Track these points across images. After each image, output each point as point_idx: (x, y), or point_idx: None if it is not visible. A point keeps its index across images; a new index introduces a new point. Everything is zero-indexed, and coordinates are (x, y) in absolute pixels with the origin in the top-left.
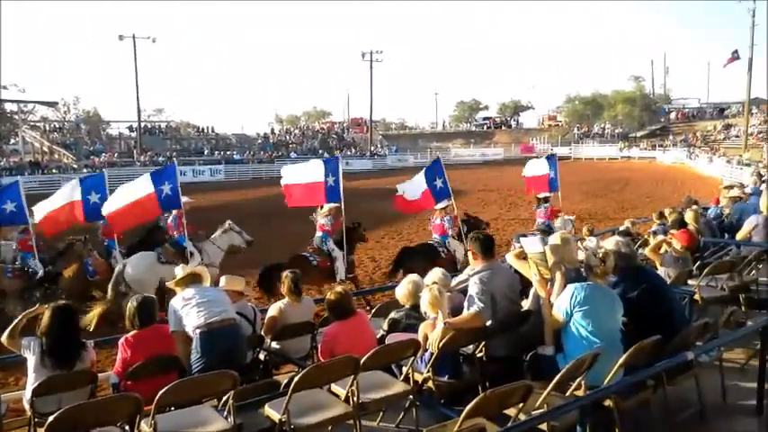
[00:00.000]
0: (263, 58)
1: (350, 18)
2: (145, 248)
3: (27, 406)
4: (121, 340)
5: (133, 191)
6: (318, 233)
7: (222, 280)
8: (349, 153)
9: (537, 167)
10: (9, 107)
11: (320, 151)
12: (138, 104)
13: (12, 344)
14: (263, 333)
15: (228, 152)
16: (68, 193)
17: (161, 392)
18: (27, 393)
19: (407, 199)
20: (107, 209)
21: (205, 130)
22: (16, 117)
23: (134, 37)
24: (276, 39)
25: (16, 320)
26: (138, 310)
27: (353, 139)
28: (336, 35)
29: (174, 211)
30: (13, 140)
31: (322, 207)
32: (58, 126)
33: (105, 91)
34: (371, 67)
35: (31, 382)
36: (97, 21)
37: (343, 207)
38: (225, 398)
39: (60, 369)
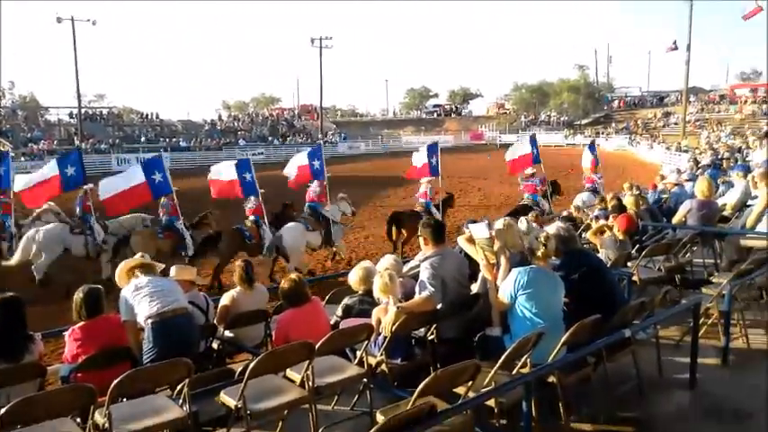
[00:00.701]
0: (209, 42)
1: (298, 3)
2: (285, 220)
3: None
4: (68, 332)
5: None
6: (421, 200)
7: (173, 270)
8: (299, 140)
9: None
10: None
11: (269, 138)
12: (79, 90)
13: None
14: (215, 322)
15: (174, 139)
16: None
17: (115, 382)
18: None
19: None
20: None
21: (149, 117)
22: None
23: (73, 19)
24: (223, 23)
25: None
26: (85, 300)
27: (304, 126)
28: (285, 20)
29: (316, 182)
30: None
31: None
32: None
33: (43, 76)
34: (321, 54)
35: None
36: (33, 1)
37: (440, 180)
38: (179, 386)
39: (6, 362)
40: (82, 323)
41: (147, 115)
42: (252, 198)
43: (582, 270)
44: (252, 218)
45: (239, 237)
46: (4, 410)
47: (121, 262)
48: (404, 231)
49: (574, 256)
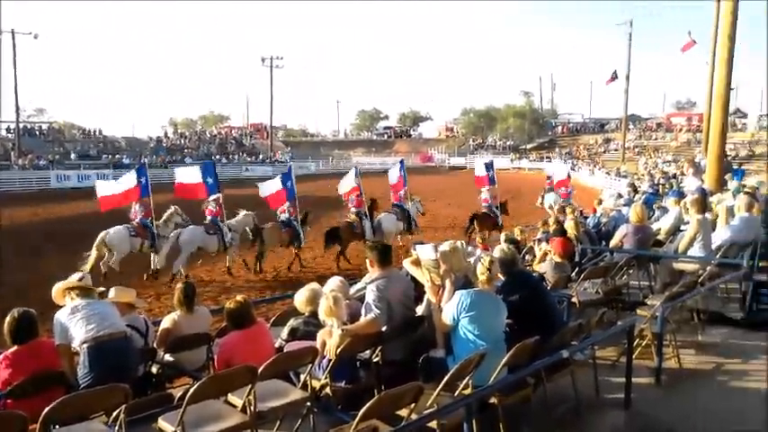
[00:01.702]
0: (156, 57)
1: (249, 21)
2: (373, 213)
3: None
4: (0, 358)
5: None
6: (485, 204)
7: (112, 291)
8: (249, 159)
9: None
10: None
11: (216, 156)
12: (17, 104)
13: None
14: (155, 345)
15: (118, 156)
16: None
17: (48, 408)
18: None
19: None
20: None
21: (92, 133)
22: None
23: (13, 32)
24: (171, 38)
25: None
26: (18, 324)
27: (253, 145)
28: (235, 38)
29: (402, 191)
30: None
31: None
32: None
33: None
34: (272, 73)
35: None
36: None
37: (497, 187)
38: (115, 413)
39: None
40: (14, 348)
41: (89, 131)
42: (354, 197)
43: (522, 292)
44: (354, 210)
45: (351, 228)
46: None
47: (60, 283)
48: (477, 226)
49: (515, 277)
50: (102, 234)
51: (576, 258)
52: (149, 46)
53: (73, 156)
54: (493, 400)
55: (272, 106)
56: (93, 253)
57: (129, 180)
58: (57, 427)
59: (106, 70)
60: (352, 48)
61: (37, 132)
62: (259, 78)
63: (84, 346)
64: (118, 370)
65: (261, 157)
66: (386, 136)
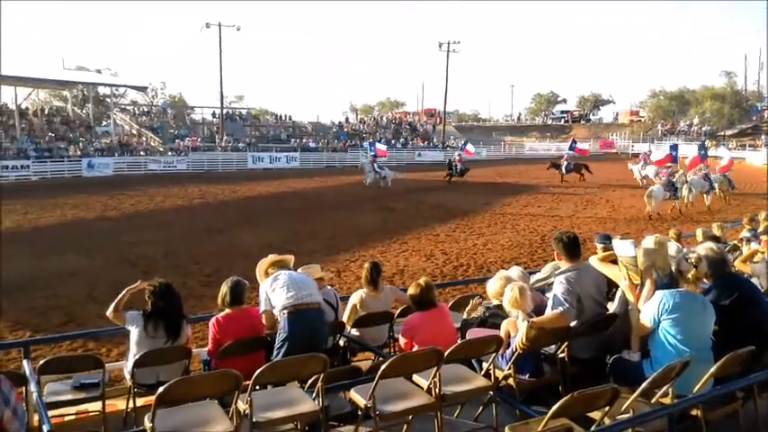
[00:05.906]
0: (339, 47)
1: (426, 7)
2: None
3: (128, 376)
4: (212, 320)
5: None
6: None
7: (300, 270)
8: (421, 144)
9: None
10: (102, 91)
11: (392, 141)
12: (222, 91)
13: (116, 317)
14: (344, 320)
15: (304, 140)
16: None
17: (258, 371)
18: (128, 365)
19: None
20: None
21: (283, 118)
22: (108, 100)
23: (220, 25)
24: (353, 28)
25: (120, 296)
26: (231, 291)
27: (426, 130)
28: (412, 25)
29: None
30: (105, 122)
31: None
32: (146, 110)
33: (190, 77)
34: (448, 58)
35: (134, 353)
36: (183, 7)
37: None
38: (312, 380)
39: (165, 342)
40: (226, 312)
41: (281, 116)
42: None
43: (734, 296)
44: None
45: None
46: (162, 389)
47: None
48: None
49: (725, 280)
50: (648, 190)
51: None
52: (334, 38)
53: (260, 138)
54: (695, 412)
55: (446, 92)
56: (648, 202)
57: (664, 151)
58: (257, 388)
59: (296, 60)
60: (530, 29)
61: (237, 117)
62: (434, 63)
63: (284, 311)
64: (312, 339)
65: (434, 141)
66: (562, 120)
